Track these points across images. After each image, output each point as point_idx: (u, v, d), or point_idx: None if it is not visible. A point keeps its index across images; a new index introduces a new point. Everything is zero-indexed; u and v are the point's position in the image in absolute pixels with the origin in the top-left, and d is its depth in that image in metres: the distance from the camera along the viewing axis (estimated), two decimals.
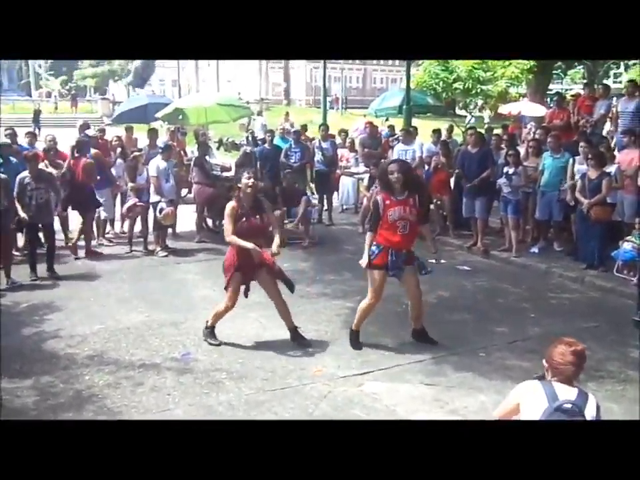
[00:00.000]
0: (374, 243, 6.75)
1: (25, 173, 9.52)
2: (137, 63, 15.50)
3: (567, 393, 3.47)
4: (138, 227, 11.39)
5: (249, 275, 7.02)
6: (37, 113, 35.22)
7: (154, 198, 11.05)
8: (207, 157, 13.25)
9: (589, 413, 3.46)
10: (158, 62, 74.01)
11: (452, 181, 12.27)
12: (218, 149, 23.45)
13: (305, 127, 16.32)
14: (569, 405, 3.43)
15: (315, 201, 13.33)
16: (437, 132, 13.53)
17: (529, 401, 3.56)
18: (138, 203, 11.11)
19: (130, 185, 11.27)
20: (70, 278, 9.53)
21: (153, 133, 13.11)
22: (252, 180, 6.84)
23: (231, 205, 6.89)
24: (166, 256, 10.90)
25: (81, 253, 10.71)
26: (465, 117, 20.31)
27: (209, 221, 12.90)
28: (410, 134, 13.15)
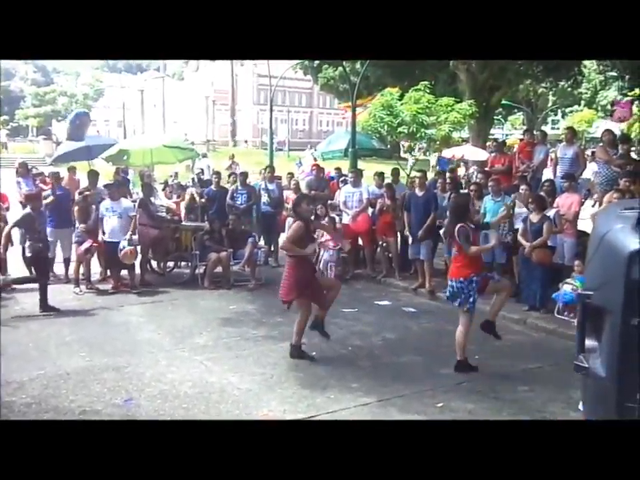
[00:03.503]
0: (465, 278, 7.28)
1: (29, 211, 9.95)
2: (72, 117, 15.31)
3: None
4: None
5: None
6: None
7: (110, 237, 11.04)
8: (152, 198, 13.17)
9: None
10: (103, 103, 73.94)
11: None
12: (163, 190, 23.28)
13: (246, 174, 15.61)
14: None
15: (261, 243, 13.29)
16: (380, 175, 13.60)
17: None
18: (94, 244, 10.97)
19: (82, 226, 11.10)
20: (7, 322, 9.21)
21: (93, 175, 12.90)
22: (311, 206, 7.96)
23: (300, 224, 7.55)
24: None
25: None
26: (408, 160, 20.59)
27: (154, 263, 12.72)
28: (358, 176, 13.29)
